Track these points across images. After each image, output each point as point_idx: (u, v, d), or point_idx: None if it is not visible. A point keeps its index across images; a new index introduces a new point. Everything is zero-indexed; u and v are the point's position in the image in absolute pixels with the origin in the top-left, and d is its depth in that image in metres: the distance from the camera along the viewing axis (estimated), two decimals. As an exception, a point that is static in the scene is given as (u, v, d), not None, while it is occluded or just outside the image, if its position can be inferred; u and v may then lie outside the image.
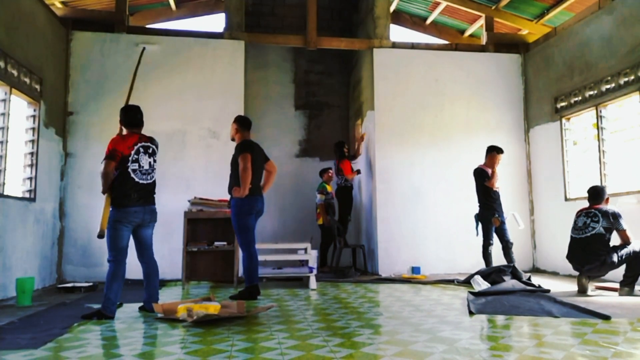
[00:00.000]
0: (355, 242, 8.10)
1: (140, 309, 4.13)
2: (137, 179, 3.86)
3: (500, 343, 2.87)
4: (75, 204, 6.31)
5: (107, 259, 3.84)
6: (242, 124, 5.04)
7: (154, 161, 4.04)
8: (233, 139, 5.08)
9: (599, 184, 5.80)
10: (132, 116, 4.03)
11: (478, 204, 6.07)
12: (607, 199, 5.01)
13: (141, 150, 3.91)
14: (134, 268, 4.18)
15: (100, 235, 3.74)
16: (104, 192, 3.83)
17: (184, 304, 3.72)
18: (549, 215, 6.96)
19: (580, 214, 5.02)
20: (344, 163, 7.51)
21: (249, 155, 4.74)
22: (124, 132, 4.04)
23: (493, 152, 6.02)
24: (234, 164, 4.89)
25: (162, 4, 8.20)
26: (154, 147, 4.05)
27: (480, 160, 6.20)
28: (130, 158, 3.83)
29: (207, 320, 3.49)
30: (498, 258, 5.95)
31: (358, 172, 7.62)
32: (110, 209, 3.82)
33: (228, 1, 7.24)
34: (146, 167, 3.93)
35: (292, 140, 8.97)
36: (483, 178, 5.96)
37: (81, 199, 6.31)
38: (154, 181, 4.06)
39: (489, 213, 5.90)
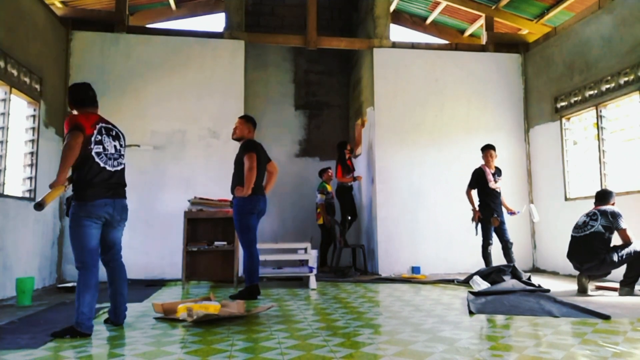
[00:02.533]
0: (355, 242, 8.10)
1: (106, 321, 3.53)
2: (102, 164, 3.29)
3: (500, 343, 2.87)
4: (75, 204, 6.29)
5: (75, 266, 3.26)
6: (249, 123, 5.04)
7: (121, 146, 3.51)
8: (238, 139, 5.01)
9: (601, 185, 5.82)
10: (83, 93, 3.45)
11: (478, 204, 6.08)
12: (613, 203, 5.01)
13: (103, 131, 3.37)
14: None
15: (39, 205, 3.04)
16: (52, 184, 3.14)
17: (184, 304, 3.72)
18: (549, 215, 6.95)
19: (582, 215, 5.04)
20: (338, 165, 7.52)
21: (254, 155, 4.73)
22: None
23: (485, 150, 6.14)
24: (238, 163, 4.88)
25: (162, 3, 8.20)
26: (117, 129, 3.52)
27: (480, 160, 6.22)
28: (92, 139, 3.26)
29: (207, 320, 3.49)
30: (498, 258, 5.95)
31: (354, 179, 7.55)
32: (73, 203, 3.26)
33: (228, 1, 7.24)
34: (111, 150, 3.39)
35: (292, 140, 8.97)
36: (479, 179, 5.98)
37: (81, 198, 6.30)
38: (123, 169, 3.50)
39: (488, 213, 5.91)
